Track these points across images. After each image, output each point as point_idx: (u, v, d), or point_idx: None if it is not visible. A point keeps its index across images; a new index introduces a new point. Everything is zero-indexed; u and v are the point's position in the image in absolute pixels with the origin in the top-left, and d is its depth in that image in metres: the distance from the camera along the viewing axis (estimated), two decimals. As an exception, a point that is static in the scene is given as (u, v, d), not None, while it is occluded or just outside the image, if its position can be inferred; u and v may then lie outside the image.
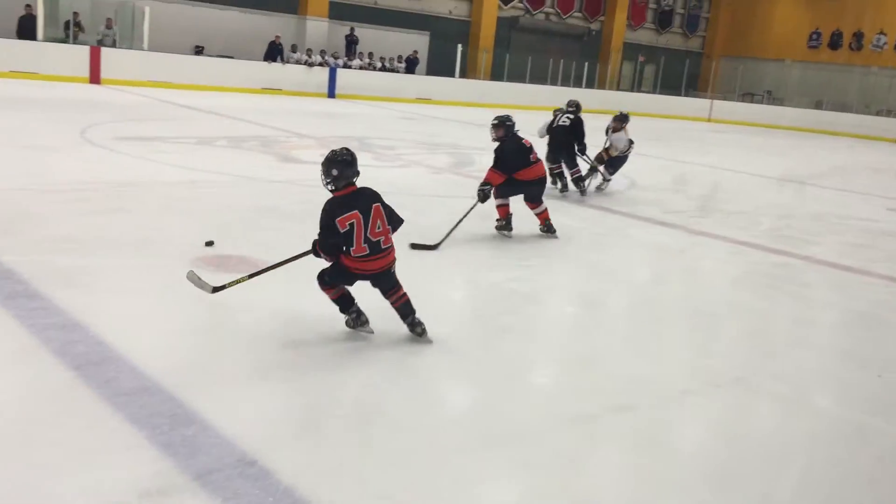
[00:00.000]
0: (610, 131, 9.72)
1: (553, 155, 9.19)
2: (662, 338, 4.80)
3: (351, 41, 24.16)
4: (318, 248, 4.03)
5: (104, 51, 18.87)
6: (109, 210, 6.46)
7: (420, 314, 4.16)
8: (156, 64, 19.39)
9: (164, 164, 8.90)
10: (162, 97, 16.87)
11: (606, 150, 9.65)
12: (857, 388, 4.22)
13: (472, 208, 6.53)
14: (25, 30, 18.67)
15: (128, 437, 2.92)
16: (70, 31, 19.18)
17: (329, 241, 3.96)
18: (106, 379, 3.38)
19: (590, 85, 29.04)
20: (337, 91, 22.25)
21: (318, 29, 23.68)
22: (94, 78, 18.58)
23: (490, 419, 3.44)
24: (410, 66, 24.98)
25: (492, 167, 6.63)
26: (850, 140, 24.82)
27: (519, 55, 27.33)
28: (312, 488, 2.71)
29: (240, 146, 11.06)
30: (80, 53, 18.56)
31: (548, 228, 7.02)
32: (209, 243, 5.61)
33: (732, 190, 11.51)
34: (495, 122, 6.74)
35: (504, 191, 6.77)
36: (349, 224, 3.89)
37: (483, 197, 6.53)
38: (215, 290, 4.08)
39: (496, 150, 6.69)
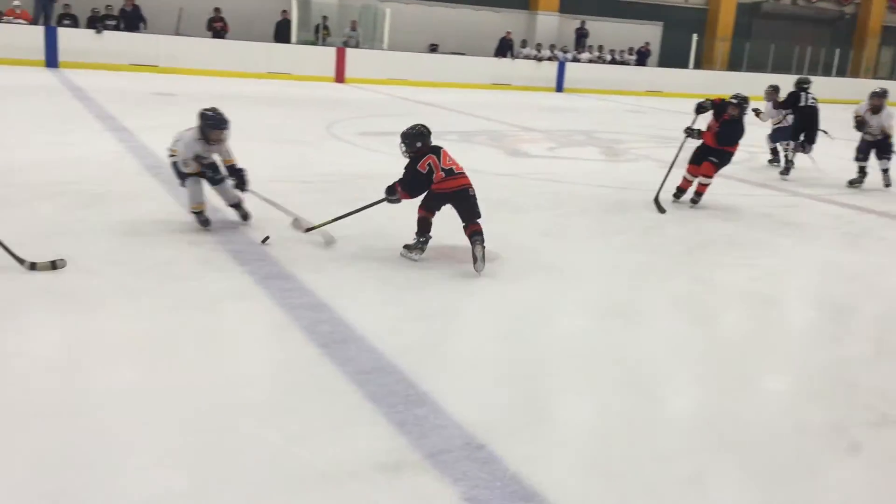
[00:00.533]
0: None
1: (796, 133, 9.23)
2: (923, 352, 4.33)
3: (581, 34, 24.02)
4: (398, 189, 5.24)
5: (348, 51, 20.20)
6: (351, 200, 6.90)
7: (661, 310, 4.06)
8: (394, 62, 20.44)
9: (401, 157, 9.36)
10: (399, 94, 17.76)
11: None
12: None
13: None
14: (281, 34, 20.43)
15: (366, 413, 3.12)
16: (319, 33, 20.72)
17: (414, 183, 5.16)
18: (348, 357, 3.62)
19: (841, 73, 26.74)
20: (565, 85, 22.23)
21: (549, 24, 23.77)
22: (339, 77, 19.95)
23: (717, 419, 3.29)
24: (641, 58, 24.38)
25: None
26: None
27: (760, 43, 25.73)
28: (540, 478, 2.73)
29: (470, 140, 11.38)
30: (328, 54, 20.00)
31: None
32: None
33: None
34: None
35: None
36: (427, 165, 5.11)
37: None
38: (308, 230, 5.47)
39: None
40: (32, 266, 4.49)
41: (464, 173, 5.21)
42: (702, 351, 4.16)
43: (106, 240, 5.21)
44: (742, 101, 7.24)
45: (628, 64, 23.93)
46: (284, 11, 20.43)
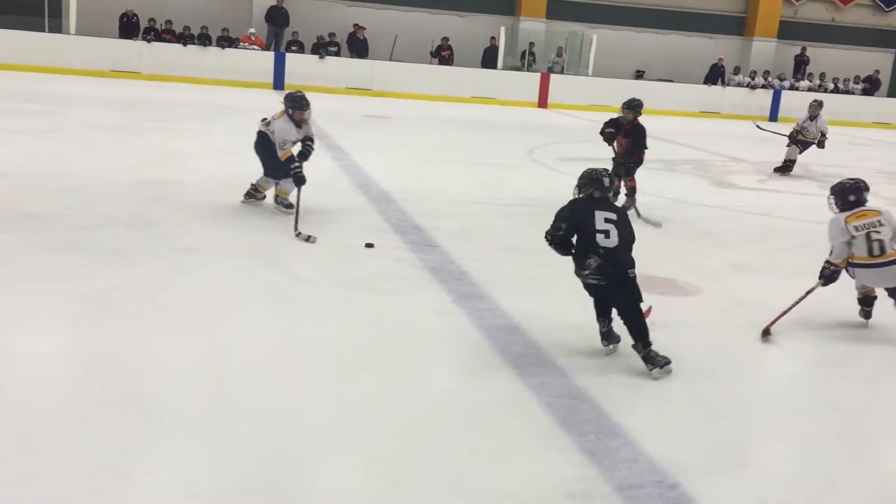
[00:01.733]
0: None
1: None
2: None
3: (800, 61, 22.68)
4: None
5: (553, 77, 20.32)
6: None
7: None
8: (597, 88, 20.29)
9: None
10: (602, 120, 17.59)
11: None
12: None
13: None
14: (488, 60, 20.94)
15: (557, 439, 3.10)
16: (525, 59, 21.02)
17: None
18: (540, 381, 3.63)
19: None
20: (780, 114, 21.05)
21: (765, 50, 22.67)
22: (542, 102, 20.10)
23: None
24: (873, 86, 22.56)
25: None
26: None
27: None
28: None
29: (674, 169, 11.07)
30: (532, 80, 20.22)
31: None
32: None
33: None
34: None
35: None
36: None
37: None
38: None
39: None
40: (298, 234, 5.71)
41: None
42: (929, 409, 3.77)
43: (322, 252, 5.55)
44: None
45: (852, 93, 22.27)
46: (493, 38, 20.93)
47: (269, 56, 19.01)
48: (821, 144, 11.36)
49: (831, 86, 22.22)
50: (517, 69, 21.01)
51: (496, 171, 9.86)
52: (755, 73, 21.72)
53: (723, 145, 14.33)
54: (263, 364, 3.71)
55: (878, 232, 4.51)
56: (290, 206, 6.29)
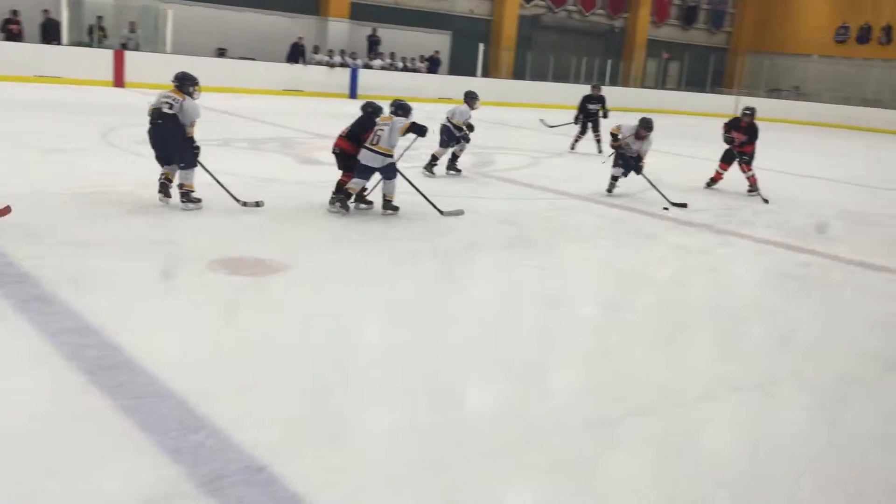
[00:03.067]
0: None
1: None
2: (685, 341, 4.71)
3: (373, 41, 24.18)
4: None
5: (128, 54, 19.03)
6: (127, 212, 6.47)
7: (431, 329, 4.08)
8: (179, 66, 19.19)
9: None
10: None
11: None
12: (880, 392, 4.09)
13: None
14: (49, 35, 18.86)
15: (136, 441, 2.89)
16: (94, 35, 19.35)
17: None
18: (118, 383, 3.35)
19: (613, 83, 28.80)
20: (359, 91, 22.27)
21: (340, 30, 23.73)
22: (118, 81, 18.75)
23: (509, 423, 3.37)
24: (433, 65, 24.93)
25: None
26: (879, 136, 24.36)
27: (541, 53, 27.20)
28: (323, 496, 2.65)
29: (259, 148, 11.08)
30: (104, 57, 18.72)
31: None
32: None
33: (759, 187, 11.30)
34: None
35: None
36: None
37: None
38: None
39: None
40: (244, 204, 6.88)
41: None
42: (497, 351, 4.26)
43: None
44: None
45: (419, 71, 24.40)
46: (46, 11, 18.84)
47: None
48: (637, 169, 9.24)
49: (401, 64, 24.08)
50: (86, 45, 19.28)
51: (65, 157, 8.96)
52: (332, 51, 22.65)
53: (307, 123, 14.71)
54: None
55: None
56: (198, 200, 6.77)
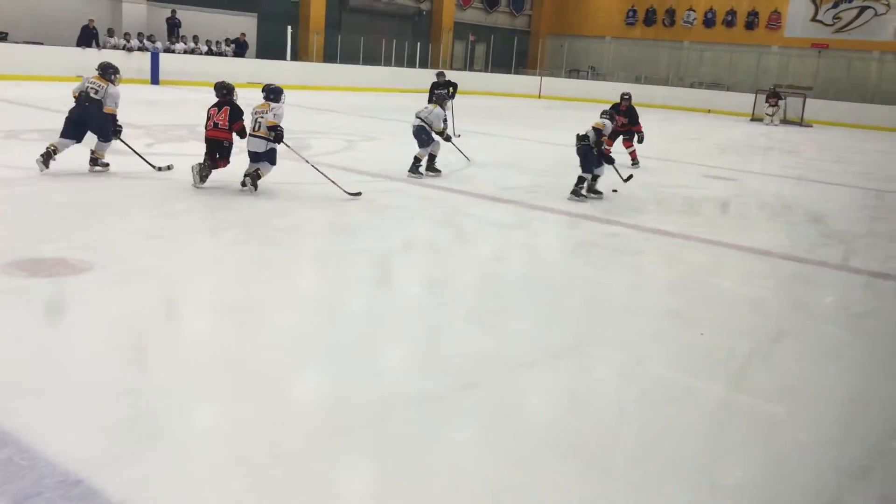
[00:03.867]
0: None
1: None
2: (504, 313, 4.88)
3: (173, 24, 23.02)
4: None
5: None
6: None
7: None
8: (-50, 52, 17.66)
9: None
10: (-39, 88, 15.38)
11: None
12: (684, 349, 4.46)
13: None
14: None
15: (-71, 469, 2.61)
16: None
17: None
18: None
19: (423, 65, 29.22)
20: (161, 77, 21.18)
21: (136, 12, 22.39)
22: None
23: (339, 406, 3.36)
24: (240, 49, 24.11)
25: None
26: (668, 112, 26.35)
27: (351, 36, 27.07)
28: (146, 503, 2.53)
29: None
30: None
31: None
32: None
33: (564, 163, 11.91)
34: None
35: None
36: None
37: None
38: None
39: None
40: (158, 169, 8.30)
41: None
42: (322, 337, 4.21)
43: None
44: None
45: (226, 55, 23.54)
46: None
47: None
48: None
49: (205, 48, 23.11)
50: None
51: None
52: (129, 35, 21.37)
53: (106, 111, 13.77)
54: None
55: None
56: (106, 164, 8.14)
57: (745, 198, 9.85)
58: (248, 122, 7.72)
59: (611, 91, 28.62)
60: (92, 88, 7.76)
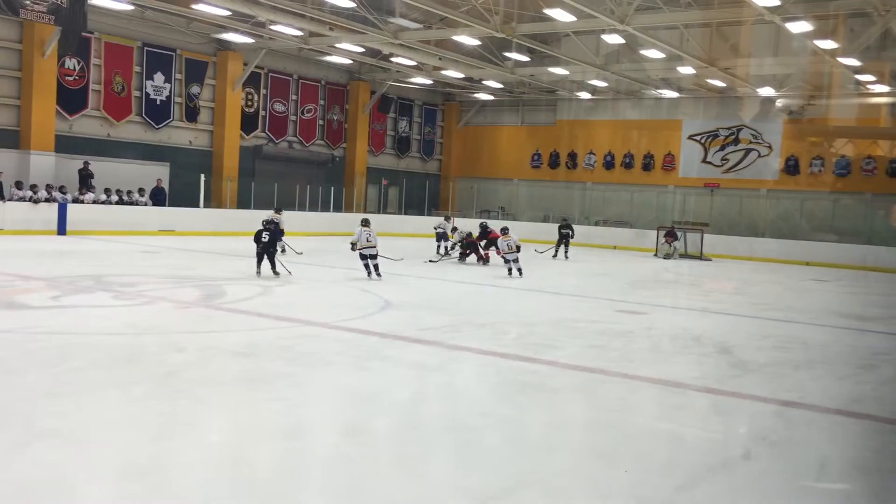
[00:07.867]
0: None
1: None
2: (429, 458, 4.79)
3: (85, 175, 22.84)
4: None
5: None
6: None
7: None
8: None
9: None
10: None
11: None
12: (607, 487, 4.44)
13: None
14: None
15: None
16: None
17: None
18: None
19: (337, 208, 29.67)
20: (69, 228, 20.80)
21: (45, 163, 22.18)
22: None
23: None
24: (159, 197, 24.00)
25: None
26: (574, 249, 27.27)
27: (265, 182, 27.39)
28: None
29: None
30: None
31: None
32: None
33: (480, 303, 12.10)
34: None
35: None
36: None
37: None
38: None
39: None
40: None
41: None
42: (234, 499, 4.02)
43: None
44: None
45: (138, 204, 23.38)
46: None
47: None
48: None
49: (116, 198, 22.92)
50: None
51: None
52: (37, 186, 21.08)
53: (9, 264, 13.38)
54: None
55: None
56: None
57: (656, 330, 10.14)
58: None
59: (522, 229, 29.71)
60: None
